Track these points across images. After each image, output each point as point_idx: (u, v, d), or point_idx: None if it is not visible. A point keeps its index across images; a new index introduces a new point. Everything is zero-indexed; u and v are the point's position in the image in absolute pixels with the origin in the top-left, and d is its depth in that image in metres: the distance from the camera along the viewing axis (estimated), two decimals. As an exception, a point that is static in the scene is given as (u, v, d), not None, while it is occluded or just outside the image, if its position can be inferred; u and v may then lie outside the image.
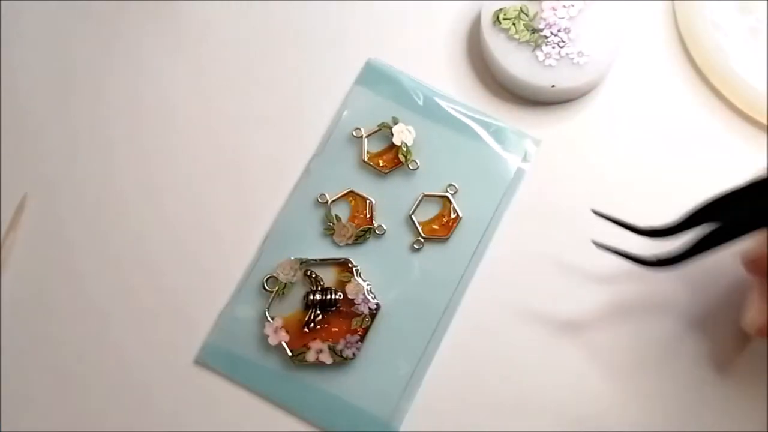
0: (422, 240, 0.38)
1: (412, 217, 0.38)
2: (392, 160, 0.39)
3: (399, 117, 0.39)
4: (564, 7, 0.39)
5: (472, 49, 0.41)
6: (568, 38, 0.39)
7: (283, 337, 0.36)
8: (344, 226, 0.38)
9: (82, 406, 0.37)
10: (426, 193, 0.38)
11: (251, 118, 0.41)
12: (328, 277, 0.38)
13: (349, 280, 0.37)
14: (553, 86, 0.38)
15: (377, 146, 0.39)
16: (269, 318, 0.37)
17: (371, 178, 0.39)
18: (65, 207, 0.40)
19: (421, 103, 0.40)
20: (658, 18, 0.42)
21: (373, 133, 0.39)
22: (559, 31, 0.39)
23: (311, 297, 0.37)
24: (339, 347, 0.36)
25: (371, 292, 0.37)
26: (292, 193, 0.39)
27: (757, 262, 0.32)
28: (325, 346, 0.36)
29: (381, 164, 0.39)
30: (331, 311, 0.37)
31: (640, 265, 0.33)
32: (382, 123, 0.39)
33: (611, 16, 0.39)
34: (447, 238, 0.38)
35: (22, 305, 0.38)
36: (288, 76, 0.41)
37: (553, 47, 0.39)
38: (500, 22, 0.39)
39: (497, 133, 0.39)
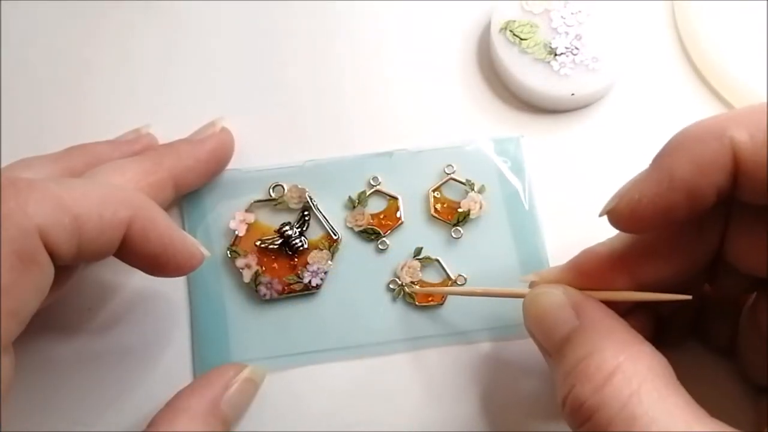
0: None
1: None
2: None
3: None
4: (572, 14, 0.39)
5: (483, 63, 0.41)
6: (581, 44, 0.39)
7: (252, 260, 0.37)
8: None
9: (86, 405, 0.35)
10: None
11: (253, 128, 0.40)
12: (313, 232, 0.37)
13: (321, 250, 0.37)
14: (573, 94, 0.38)
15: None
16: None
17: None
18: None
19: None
20: (658, 18, 0.42)
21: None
22: (571, 38, 0.39)
23: (285, 228, 0.37)
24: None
25: (325, 273, 0.36)
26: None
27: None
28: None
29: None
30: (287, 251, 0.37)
31: None
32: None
33: (615, 17, 0.39)
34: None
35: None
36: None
37: (567, 56, 0.39)
38: (511, 36, 0.39)
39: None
